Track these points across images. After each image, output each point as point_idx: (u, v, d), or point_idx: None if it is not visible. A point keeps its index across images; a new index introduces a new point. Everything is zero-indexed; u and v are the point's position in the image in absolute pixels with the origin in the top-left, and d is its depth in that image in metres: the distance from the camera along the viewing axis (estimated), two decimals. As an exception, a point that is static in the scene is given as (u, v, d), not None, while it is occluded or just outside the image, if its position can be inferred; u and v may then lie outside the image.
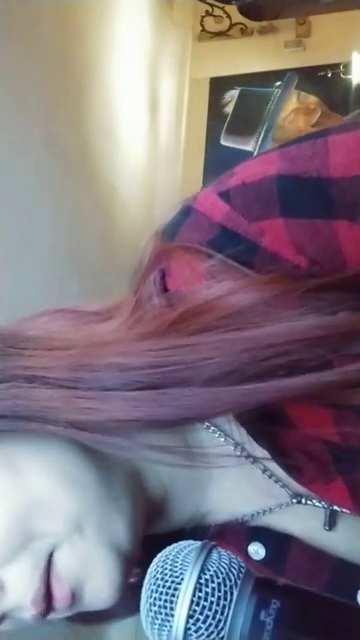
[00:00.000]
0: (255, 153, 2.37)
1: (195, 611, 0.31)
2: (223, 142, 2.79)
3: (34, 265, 1.61)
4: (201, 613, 0.31)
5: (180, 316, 0.38)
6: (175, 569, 0.33)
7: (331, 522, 0.45)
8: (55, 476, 0.41)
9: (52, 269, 1.70)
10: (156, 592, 0.32)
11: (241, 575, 0.32)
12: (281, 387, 0.37)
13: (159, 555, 0.34)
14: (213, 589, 0.31)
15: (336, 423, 0.40)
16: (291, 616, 0.30)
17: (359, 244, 0.37)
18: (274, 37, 2.88)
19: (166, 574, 0.33)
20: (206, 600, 0.31)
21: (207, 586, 0.31)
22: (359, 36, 2.67)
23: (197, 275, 0.39)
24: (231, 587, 0.32)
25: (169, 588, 0.32)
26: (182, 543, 0.35)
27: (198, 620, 0.31)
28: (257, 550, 0.46)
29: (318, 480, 0.42)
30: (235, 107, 2.84)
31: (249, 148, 2.71)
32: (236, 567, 0.33)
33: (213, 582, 0.32)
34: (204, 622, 0.31)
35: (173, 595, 0.32)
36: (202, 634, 0.31)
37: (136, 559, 0.44)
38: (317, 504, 0.45)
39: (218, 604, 0.31)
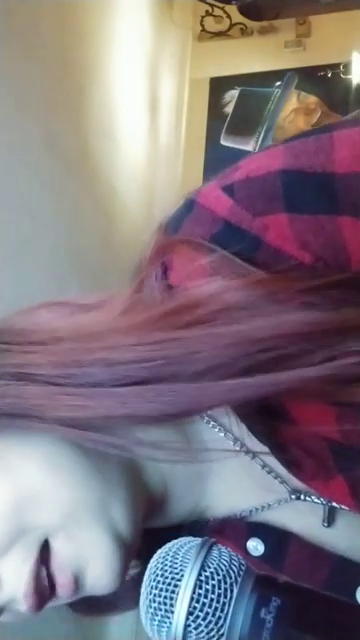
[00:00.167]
0: (255, 153, 2.36)
1: (195, 608, 0.31)
2: (223, 142, 2.79)
3: (34, 265, 1.61)
4: (201, 610, 0.31)
5: (170, 310, 0.38)
6: (175, 566, 0.33)
7: (330, 519, 0.45)
8: (46, 469, 0.41)
9: (52, 269, 1.70)
10: (156, 588, 0.32)
11: (241, 572, 0.32)
12: (267, 382, 0.37)
13: (159, 551, 0.34)
14: (213, 586, 0.31)
15: (337, 420, 0.40)
16: (291, 614, 0.30)
17: None
18: (274, 37, 2.88)
19: (166, 570, 0.33)
20: (206, 597, 0.31)
21: (207, 583, 0.31)
22: (359, 36, 2.67)
23: (199, 269, 0.39)
24: (231, 584, 0.32)
25: (169, 585, 0.32)
26: (182, 539, 0.35)
27: (198, 617, 0.31)
28: (256, 546, 0.46)
29: (318, 477, 0.42)
30: (235, 107, 2.84)
31: (249, 148, 2.71)
32: (236, 564, 0.33)
33: (213, 579, 0.32)
34: (204, 619, 0.31)
35: (173, 592, 0.32)
36: (202, 631, 0.31)
37: (136, 549, 0.44)
38: (316, 500, 0.45)
39: (218, 601, 0.31)
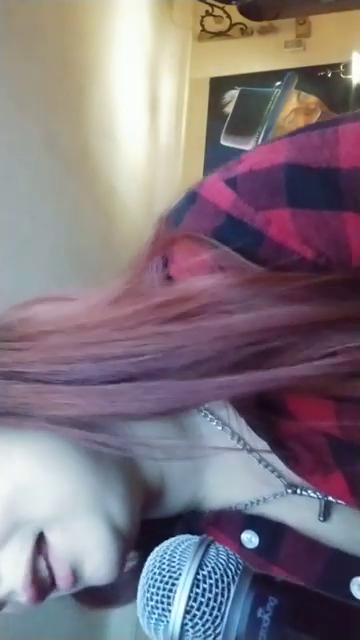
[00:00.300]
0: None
1: (192, 607, 0.31)
2: (223, 142, 2.79)
3: (34, 265, 1.61)
4: (198, 609, 0.31)
5: (159, 304, 0.38)
6: (173, 564, 0.33)
7: (326, 513, 0.45)
8: (41, 462, 0.41)
9: (52, 269, 1.70)
10: (153, 587, 0.32)
11: (239, 571, 0.32)
12: (256, 380, 0.37)
13: (156, 549, 0.34)
14: (211, 585, 0.31)
15: (337, 416, 0.40)
16: (288, 613, 0.30)
17: None
18: (274, 37, 2.88)
19: (164, 569, 0.33)
20: (203, 596, 0.31)
21: (205, 582, 0.31)
22: (359, 36, 2.67)
23: (200, 263, 0.39)
24: (229, 584, 0.32)
25: (166, 583, 0.32)
26: (180, 537, 0.35)
27: (195, 616, 0.31)
28: (250, 538, 0.46)
29: (316, 472, 0.42)
30: (235, 107, 2.84)
31: (249, 148, 2.71)
32: (234, 563, 0.33)
33: (211, 578, 0.32)
34: (201, 618, 0.31)
35: (170, 590, 0.32)
36: (199, 630, 0.31)
37: (134, 540, 0.44)
38: (312, 495, 0.45)
39: (215, 600, 0.31)
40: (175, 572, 0.32)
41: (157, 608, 0.32)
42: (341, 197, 0.36)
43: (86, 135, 1.98)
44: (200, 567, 0.32)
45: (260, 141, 2.70)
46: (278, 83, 2.78)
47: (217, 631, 0.31)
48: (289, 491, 0.45)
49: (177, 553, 0.33)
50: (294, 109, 2.75)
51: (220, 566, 0.32)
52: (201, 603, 0.31)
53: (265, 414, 0.42)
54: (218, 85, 2.90)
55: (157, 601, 0.32)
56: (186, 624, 0.31)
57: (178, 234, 0.40)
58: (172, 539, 0.35)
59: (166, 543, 0.34)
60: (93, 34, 2.06)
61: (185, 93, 2.97)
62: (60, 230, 1.77)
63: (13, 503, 0.40)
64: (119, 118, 2.24)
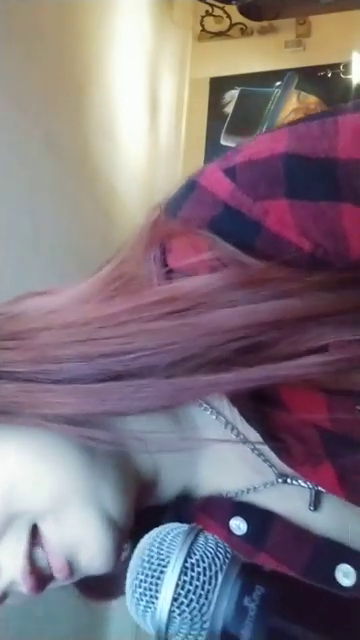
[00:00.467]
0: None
1: (180, 594, 0.31)
2: (223, 142, 2.79)
3: (34, 265, 1.61)
4: (185, 597, 0.31)
5: (148, 302, 0.38)
6: (162, 552, 0.33)
7: (316, 502, 0.45)
8: (33, 455, 0.41)
9: (52, 269, 1.70)
10: (142, 574, 0.33)
11: (227, 560, 0.33)
12: (242, 378, 0.37)
13: (146, 536, 0.35)
14: (199, 573, 0.32)
15: (328, 408, 0.40)
16: (275, 603, 0.31)
17: None
18: (274, 37, 2.88)
19: (152, 556, 0.33)
20: (191, 584, 0.31)
21: (192, 570, 0.32)
22: (359, 36, 2.68)
23: (200, 263, 0.39)
24: (216, 572, 0.32)
25: (155, 571, 0.32)
26: (169, 525, 0.35)
27: (182, 603, 0.31)
28: (239, 525, 0.46)
29: (306, 463, 0.42)
30: (235, 107, 2.84)
31: (249, 148, 2.71)
32: (222, 552, 0.33)
33: (199, 566, 0.32)
34: (188, 605, 0.31)
35: (159, 578, 0.32)
36: (186, 617, 0.31)
37: (129, 530, 0.44)
38: (303, 484, 0.45)
39: (203, 588, 0.31)
40: (163, 559, 0.33)
41: (145, 595, 0.32)
42: (339, 188, 0.36)
43: (86, 135, 1.98)
44: (188, 555, 0.32)
45: (260, 141, 2.70)
46: (278, 83, 2.79)
47: (204, 618, 0.31)
48: (280, 480, 0.45)
49: (166, 541, 0.33)
50: (294, 109, 2.75)
51: (208, 554, 0.33)
52: (188, 591, 0.31)
53: (258, 405, 0.42)
54: (218, 85, 2.90)
55: (145, 588, 0.32)
56: (173, 611, 0.31)
57: (177, 228, 0.40)
58: (162, 527, 0.35)
59: (156, 531, 0.35)
60: (93, 34, 2.06)
61: (185, 93, 2.97)
62: (60, 230, 1.77)
63: (8, 496, 0.40)
64: (119, 118, 2.24)
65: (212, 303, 0.37)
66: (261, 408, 0.42)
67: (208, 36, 2.98)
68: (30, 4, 1.66)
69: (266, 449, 0.44)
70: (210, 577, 0.32)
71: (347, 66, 2.73)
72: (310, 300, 0.37)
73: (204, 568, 0.32)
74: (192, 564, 0.32)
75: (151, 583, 0.32)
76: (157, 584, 0.32)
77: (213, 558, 0.32)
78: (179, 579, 0.32)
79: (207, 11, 2.92)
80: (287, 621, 0.31)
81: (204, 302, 0.37)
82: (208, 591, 0.31)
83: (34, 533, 0.41)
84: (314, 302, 0.37)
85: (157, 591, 0.32)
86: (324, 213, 0.36)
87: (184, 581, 0.32)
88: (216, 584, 0.32)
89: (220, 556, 0.33)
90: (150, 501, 0.47)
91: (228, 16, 2.90)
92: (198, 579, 0.32)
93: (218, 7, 2.86)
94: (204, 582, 0.32)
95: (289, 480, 0.45)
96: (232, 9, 2.85)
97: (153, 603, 0.32)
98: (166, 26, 2.76)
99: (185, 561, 0.32)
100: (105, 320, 0.39)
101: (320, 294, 0.37)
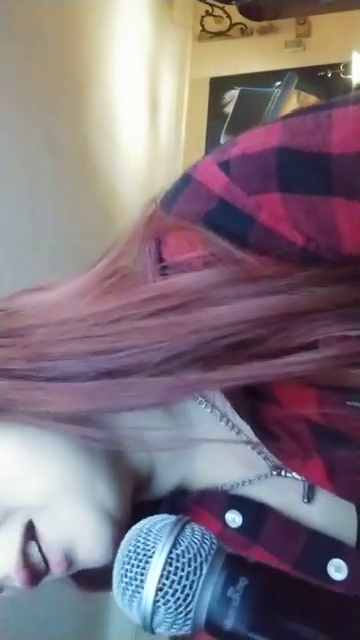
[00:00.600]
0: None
1: (164, 585, 0.32)
2: (223, 142, 2.79)
3: (34, 265, 1.61)
4: (170, 587, 0.32)
5: (142, 299, 0.39)
6: (148, 542, 0.33)
7: (310, 495, 0.46)
8: (27, 451, 0.41)
9: (52, 269, 1.70)
10: (128, 564, 0.33)
11: (212, 551, 0.33)
12: (231, 376, 0.37)
13: (134, 527, 0.35)
14: (183, 564, 0.32)
15: (318, 403, 0.40)
16: (258, 594, 0.31)
17: (355, 222, 0.36)
18: (274, 37, 2.89)
19: (139, 547, 0.33)
20: (175, 574, 0.32)
21: (178, 561, 0.32)
22: (359, 36, 2.68)
23: (193, 249, 0.39)
24: (201, 563, 0.32)
25: (140, 561, 0.33)
26: (157, 517, 0.35)
27: (167, 593, 0.32)
28: (234, 518, 0.46)
29: (297, 457, 0.43)
30: (235, 107, 2.84)
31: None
32: (208, 543, 0.33)
33: (184, 557, 0.32)
34: (173, 595, 0.32)
35: (144, 568, 0.32)
36: (170, 607, 0.32)
37: (126, 523, 0.44)
38: (296, 477, 0.45)
39: (187, 578, 0.32)
40: (149, 550, 0.33)
41: (131, 585, 0.33)
42: (331, 183, 0.36)
43: (86, 135, 1.98)
44: (174, 546, 0.33)
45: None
46: (278, 83, 2.79)
47: (188, 608, 0.32)
48: (274, 473, 0.46)
49: (153, 531, 0.34)
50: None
51: (194, 545, 0.33)
52: (173, 581, 0.32)
53: (250, 399, 0.42)
54: (218, 85, 2.90)
55: (131, 577, 0.33)
56: (158, 601, 0.32)
57: (172, 222, 0.41)
58: (149, 518, 0.35)
59: (143, 521, 0.35)
60: (93, 34, 2.06)
61: (185, 93, 2.97)
62: (60, 230, 1.77)
63: (3, 492, 0.41)
64: (119, 118, 2.24)
65: (203, 301, 0.38)
66: (253, 402, 0.42)
67: (208, 36, 2.99)
68: (30, 4, 1.67)
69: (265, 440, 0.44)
70: (195, 568, 0.32)
71: (347, 66, 2.73)
72: (299, 297, 0.37)
73: (189, 559, 0.32)
74: (177, 555, 0.32)
75: (136, 573, 0.33)
76: (142, 574, 0.32)
77: (199, 549, 0.33)
78: (164, 569, 0.32)
79: (207, 11, 2.92)
80: (270, 612, 0.31)
81: (196, 299, 0.38)
82: (193, 582, 0.32)
83: (29, 528, 0.42)
84: (303, 299, 0.37)
85: (142, 581, 0.32)
86: (316, 207, 0.36)
87: (169, 571, 0.32)
88: (201, 575, 0.32)
89: (206, 547, 0.33)
90: (147, 495, 0.48)
91: (228, 16, 2.90)
92: (183, 570, 0.32)
93: (218, 7, 2.86)
94: (189, 573, 0.32)
95: (283, 473, 0.46)
96: (232, 9, 2.85)
97: (139, 593, 0.32)
98: (166, 26, 2.76)
99: (170, 552, 0.32)
100: (99, 317, 0.39)
101: (309, 290, 0.37)
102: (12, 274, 1.47)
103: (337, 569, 0.43)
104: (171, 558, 0.32)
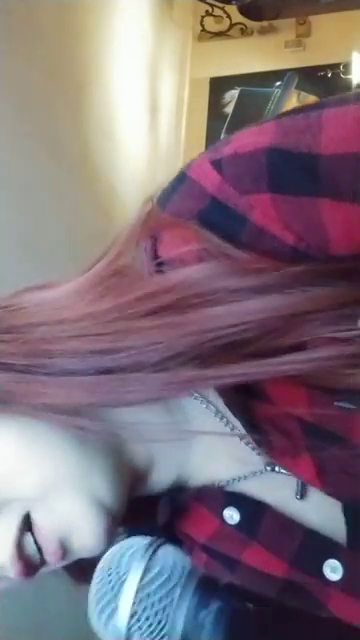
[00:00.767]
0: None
1: (136, 612, 0.32)
2: (223, 142, 2.80)
3: (34, 265, 1.61)
4: (143, 611, 0.32)
5: (138, 297, 0.39)
6: (120, 568, 0.34)
7: (303, 491, 0.46)
8: (24, 443, 0.42)
9: (52, 269, 1.70)
10: (102, 591, 0.34)
11: (184, 574, 0.34)
12: (224, 374, 0.38)
13: (109, 551, 0.36)
14: (156, 589, 0.33)
15: (309, 403, 0.41)
16: (230, 616, 0.32)
17: (342, 223, 0.37)
18: (274, 37, 2.89)
19: (111, 573, 0.34)
20: (147, 600, 0.32)
21: (150, 586, 0.33)
22: (359, 36, 2.68)
23: (188, 253, 0.40)
24: (174, 586, 0.33)
25: (113, 587, 0.33)
26: (131, 540, 0.36)
27: (140, 619, 0.32)
28: (232, 515, 0.47)
29: (288, 454, 0.43)
30: (235, 107, 2.84)
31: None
32: (180, 566, 0.34)
33: (155, 582, 0.33)
34: (146, 620, 0.32)
35: (117, 594, 0.33)
36: (144, 632, 0.32)
37: (121, 516, 0.45)
38: (289, 473, 0.46)
39: (160, 603, 0.32)
40: (122, 575, 0.34)
41: (105, 611, 0.33)
42: (319, 183, 0.36)
43: (86, 135, 1.98)
44: (146, 571, 0.33)
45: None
46: (278, 83, 2.79)
47: (162, 632, 0.32)
48: (268, 468, 0.46)
49: (126, 556, 0.35)
50: (294, 109, 2.75)
51: (166, 570, 0.34)
52: (145, 607, 0.32)
53: (243, 397, 0.43)
54: (218, 85, 2.90)
55: (105, 604, 0.33)
56: (132, 627, 0.32)
57: (167, 219, 0.41)
58: (124, 541, 0.36)
59: (118, 545, 0.36)
60: (93, 34, 2.06)
61: (185, 93, 2.97)
62: (60, 230, 1.77)
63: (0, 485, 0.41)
64: (119, 118, 2.24)
65: (198, 299, 0.38)
66: (246, 400, 0.43)
67: (208, 36, 2.99)
68: (30, 4, 1.67)
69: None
70: (167, 592, 0.33)
71: (347, 66, 2.73)
72: (292, 298, 0.37)
73: (161, 583, 0.33)
74: (149, 580, 0.33)
75: (110, 599, 0.33)
76: (116, 600, 0.33)
77: (171, 573, 0.33)
78: (136, 596, 0.33)
79: (207, 11, 2.92)
80: (242, 634, 0.31)
81: (190, 297, 0.38)
82: (165, 606, 0.32)
83: (25, 520, 0.42)
84: (296, 299, 0.37)
85: (116, 607, 0.33)
86: (305, 208, 0.37)
87: (141, 598, 0.33)
88: (173, 599, 0.33)
89: (178, 571, 0.34)
90: (144, 490, 0.48)
91: (228, 16, 2.90)
92: (155, 594, 0.33)
93: (218, 7, 2.86)
94: (161, 598, 0.33)
95: (277, 468, 0.46)
96: (232, 9, 2.85)
97: (112, 618, 0.33)
98: (166, 26, 2.76)
99: (142, 578, 0.33)
100: (97, 317, 0.40)
101: (302, 290, 0.37)
102: (12, 274, 1.48)
103: (333, 569, 0.44)
104: (143, 584, 0.33)
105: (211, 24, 2.96)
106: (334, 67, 2.75)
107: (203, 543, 0.47)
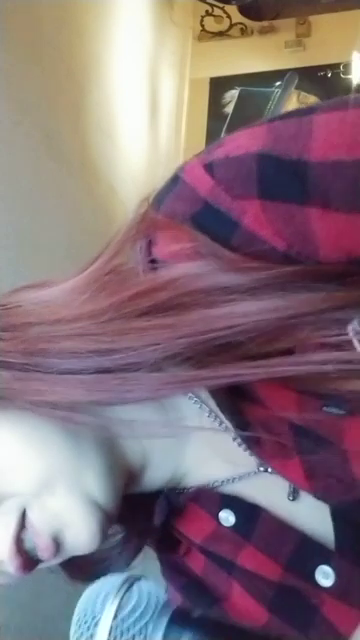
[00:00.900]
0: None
1: None
2: (223, 142, 2.80)
3: (34, 265, 1.61)
4: None
5: (133, 295, 0.40)
6: (95, 608, 0.35)
7: (295, 493, 0.46)
8: (20, 440, 0.42)
9: (52, 269, 1.70)
10: (78, 632, 0.35)
11: (157, 610, 0.35)
12: (217, 375, 0.39)
13: (86, 591, 0.37)
14: (129, 626, 0.34)
15: (298, 407, 0.41)
16: None
17: (331, 231, 0.37)
18: (274, 37, 2.89)
19: (87, 614, 0.35)
20: (121, 638, 0.34)
21: (123, 623, 0.34)
22: (359, 36, 2.68)
23: (182, 252, 0.40)
24: (147, 623, 0.34)
25: (88, 627, 0.35)
26: (107, 578, 0.37)
27: None
28: (227, 517, 0.47)
29: (278, 456, 0.43)
30: (235, 107, 2.84)
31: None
32: (154, 602, 0.35)
33: (128, 620, 0.34)
34: None
35: (92, 635, 0.34)
36: None
37: (116, 514, 0.45)
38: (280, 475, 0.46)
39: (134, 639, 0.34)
40: (95, 617, 0.35)
41: None
42: (308, 190, 0.36)
43: (86, 135, 1.98)
44: (119, 609, 0.35)
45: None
46: (278, 83, 2.79)
47: None
48: (261, 469, 0.46)
49: (101, 596, 0.36)
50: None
51: (139, 607, 0.35)
52: None
53: (235, 398, 0.43)
54: (218, 85, 2.90)
55: None
56: None
57: (161, 221, 0.41)
58: (101, 580, 0.38)
59: (93, 585, 0.38)
60: (93, 34, 2.06)
61: (185, 93, 2.97)
62: (60, 230, 1.77)
63: None
64: (119, 118, 2.25)
65: (192, 298, 0.39)
66: (238, 401, 0.43)
67: (208, 36, 2.99)
68: (30, 4, 1.67)
69: (247, 439, 0.45)
70: (140, 629, 0.34)
71: (347, 66, 2.73)
72: (285, 301, 0.37)
73: (134, 620, 0.34)
74: (122, 618, 0.34)
75: (87, 638, 0.35)
76: (92, 637, 0.34)
77: (143, 611, 0.35)
78: (110, 634, 0.34)
79: (207, 11, 2.92)
80: None
81: (184, 295, 0.39)
82: None
83: (23, 515, 0.42)
84: (289, 302, 0.37)
85: None
86: (294, 215, 0.37)
87: (115, 637, 0.34)
88: (146, 635, 0.34)
89: (151, 607, 0.35)
90: (139, 487, 0.49)
91: (228, 16, 2.90)
92: (128, 631, 0.34)
93: (218, 7, 2.86)
94: (134, 636, 0.34)
95: (269, 470, 0.46)
96: (232, 9, 2.85)
97: None
98: (166, 26, 2.76)
99: (115, 616, 0.34)
100: (93, 316, 0.40)
101: (295, 292, 0.38)
102: (12, 274, 1.48)
103: (325, 576, 0.44)
104: (117, 622, 0.34)
105: (211, 24, 2.96)
106: (334, 67, 2.75)
107: (200, 544, 0.48)
